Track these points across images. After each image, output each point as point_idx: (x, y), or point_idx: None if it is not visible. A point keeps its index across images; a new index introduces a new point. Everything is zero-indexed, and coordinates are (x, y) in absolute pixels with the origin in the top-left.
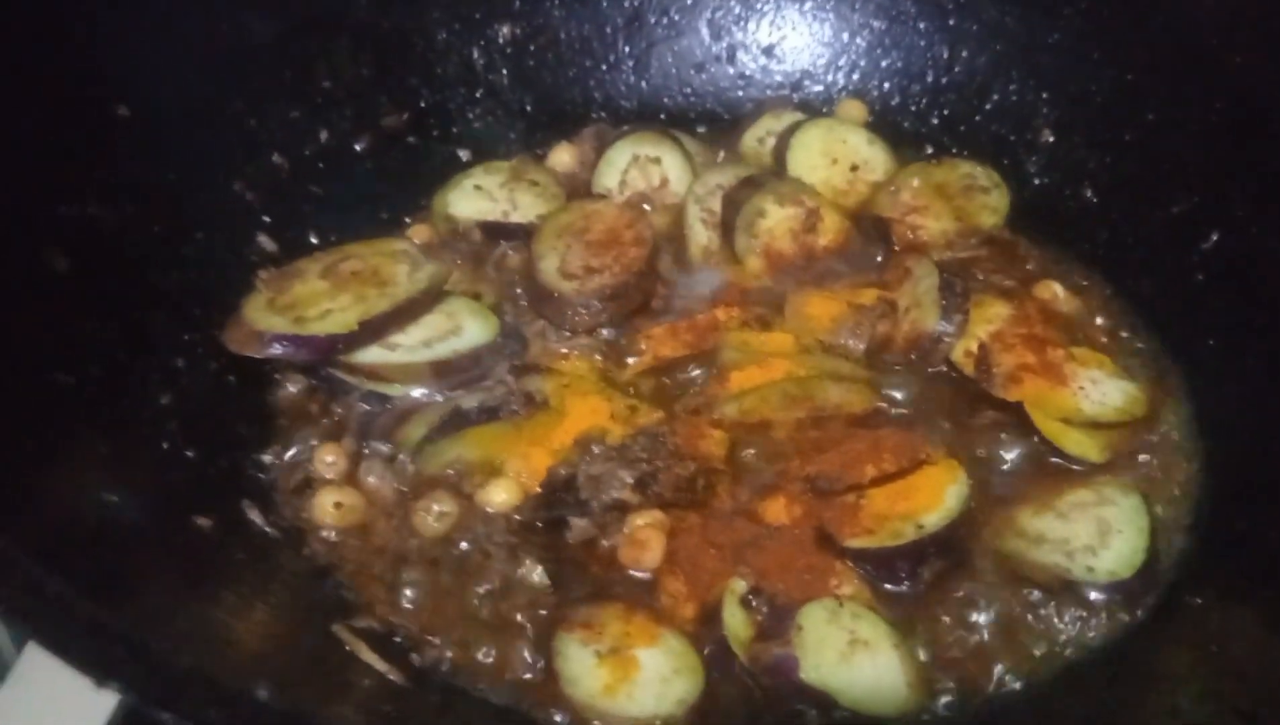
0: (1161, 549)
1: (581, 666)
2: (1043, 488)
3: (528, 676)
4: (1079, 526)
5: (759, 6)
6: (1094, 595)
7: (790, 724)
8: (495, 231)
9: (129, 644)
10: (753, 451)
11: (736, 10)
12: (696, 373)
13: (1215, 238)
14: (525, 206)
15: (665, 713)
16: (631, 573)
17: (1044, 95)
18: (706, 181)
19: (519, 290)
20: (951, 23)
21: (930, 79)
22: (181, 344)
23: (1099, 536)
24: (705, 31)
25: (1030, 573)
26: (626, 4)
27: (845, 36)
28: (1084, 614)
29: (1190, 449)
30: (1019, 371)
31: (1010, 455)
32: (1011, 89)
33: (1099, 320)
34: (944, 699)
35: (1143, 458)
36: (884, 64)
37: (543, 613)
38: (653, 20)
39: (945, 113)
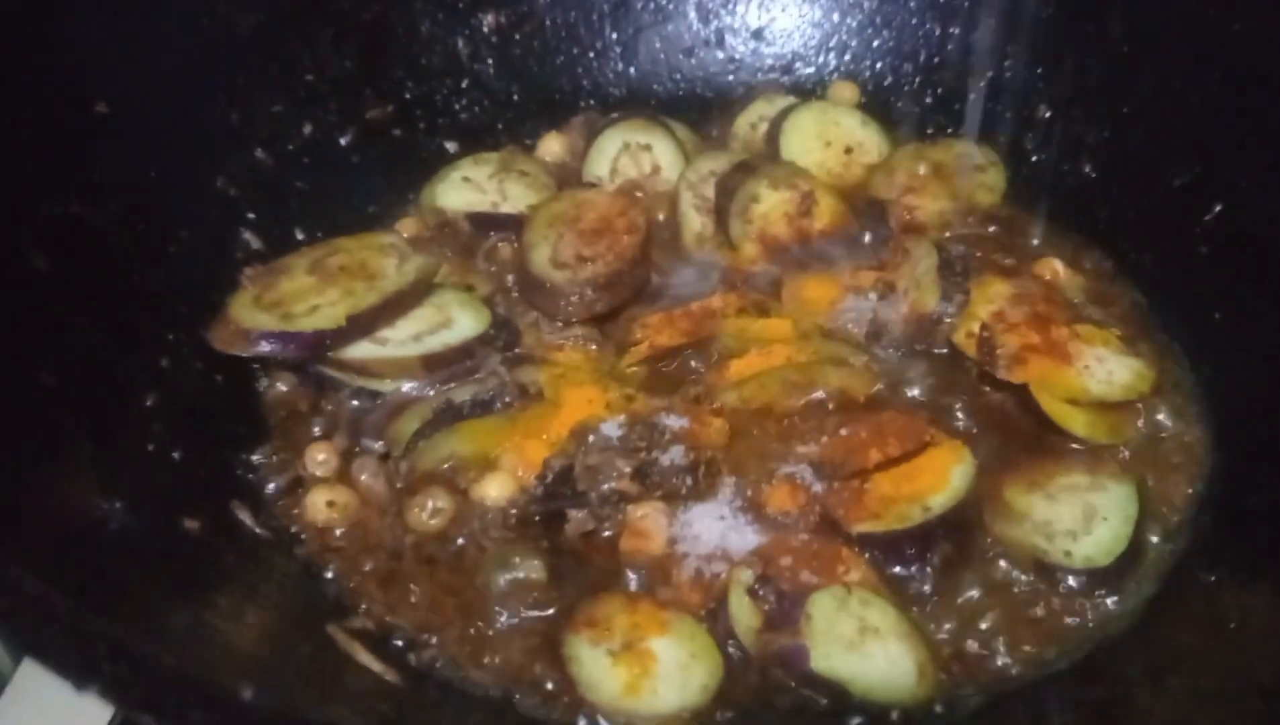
0: (1170, 528)
1: (597, 668)
2: (1041, 468)
3: (538, 675)
4: (1065, 509)
5: None
6: (1069, 580)
7: (806, 708)
8: (485, 223)
9: (110, 644)
10: (754, 439)
11: None
12: (695, 361)
13: (1218, 209)
14: (515, 197)
15: (692, 703)
16: (633, 563)
17: (1039, 70)
18: (699, 167)
19: (511, 282)
20: (943, 0)
21: (923, 58)
22: (167, 343)
23: (1084, 522)
24: (693, 15)
25: (1007, 550)
26: None
27: (835, 17)
28: (1098, 597)
29: (1198, 424)
30: (1023, 352)
31: (1015, 436)
32: (1006, 65)
33: (1102, 296)
34: (956, 686)
35: (1150, 436)
36: (875, 44)
37: (546, 611)
38: (639, 5)
39: (939, 91)
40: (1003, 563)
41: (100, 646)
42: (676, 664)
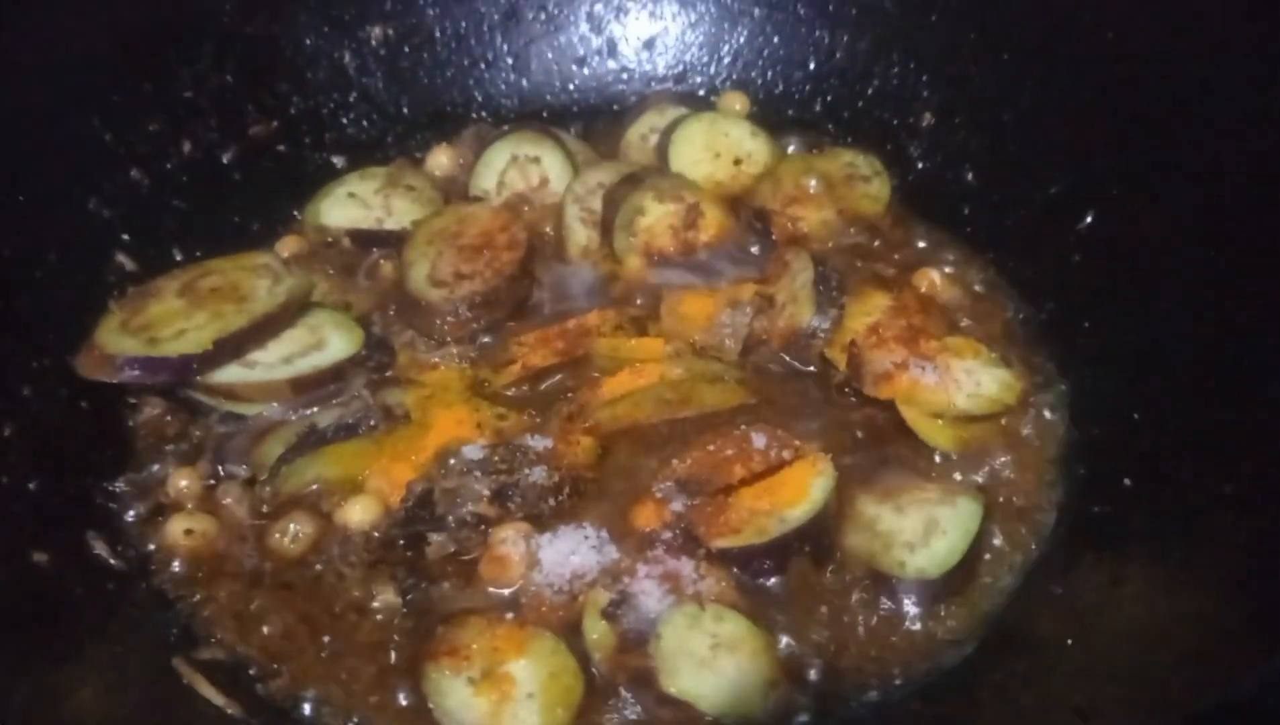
0: (1028, 539)
1: (458, 699)
2: (899, 481)
3: (395, 705)
4: (909, 521)
5: None
6: (900, 590)
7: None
8: (366, 239)
9: None
10: (624, 458)
11: (615, 2)
12: (569, 380)
13: (1090, 218)
14: (400, 212)
15: (558, 722)
16: (494, 586)
17: (924, 78)
18: (587, 180)
19: (390, 300)
20: (831, 8)
21: (812, 66)
22: (30, 371)
23: (923, 534)
24: (585, 25)
25: (848, 560)
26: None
27: (726, 26)
28: (948, 608)
29: (1064, 435)
30: (892, 368)
31: (879, 449)
32: (892, 73)
33: (979, 306)
34: (804, 701)
35: (1015, 447)
36: (765, 52)
37: (397, 637)
38: (530, 15)
39: (828, 99)
40: (847, 575)
41: None
42: (537, 685)
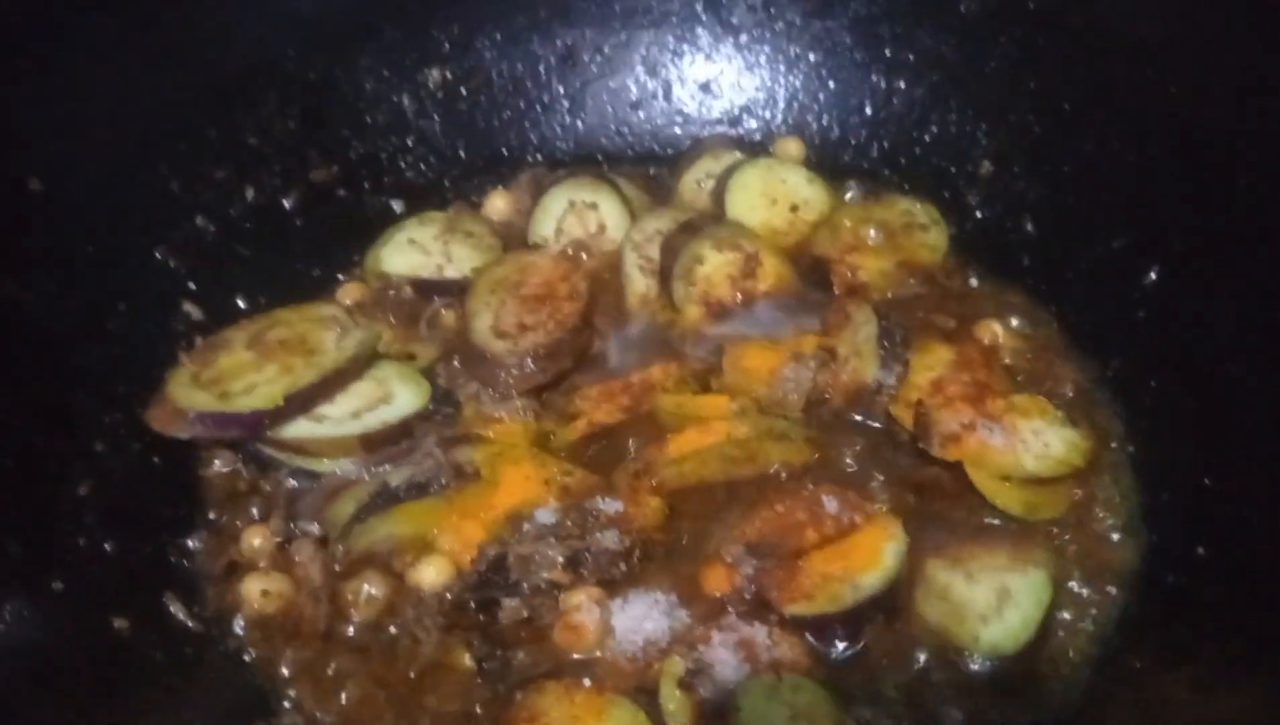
0: (1101, 610)
1: None
2: (968, 546)
3: None
4: (980, 590)
5: (694, 41)
6: (973, 660)
7: None
8: (429, 288)
9: None
10: (692, 518)
11: (671, 46)
12: (634, 436)
13: (1154, 274)
14: (460, 259)
15: None
16: (569, 652)
17: (982, 125)
18: (644, 227)
19: (453, 351)
20: (888, 53)
21: (869, 111)
22: (103, 426)
23: (996, 605)
24: (640, 68)
25: (918, 626)
26: (559, 42)
27: (782, 69)
28: (1022, 678)
29: (1132, 498)
30: (959, 429)
31: (947, 511)
32: (950, 119)
33: (1042, 360)
34: None
35: (1084, 511)
36: (822, 97)
37: (479, 708)
38: (586, 58)
39: (885, 145)
40: (921, 643)
41: None
42: None
